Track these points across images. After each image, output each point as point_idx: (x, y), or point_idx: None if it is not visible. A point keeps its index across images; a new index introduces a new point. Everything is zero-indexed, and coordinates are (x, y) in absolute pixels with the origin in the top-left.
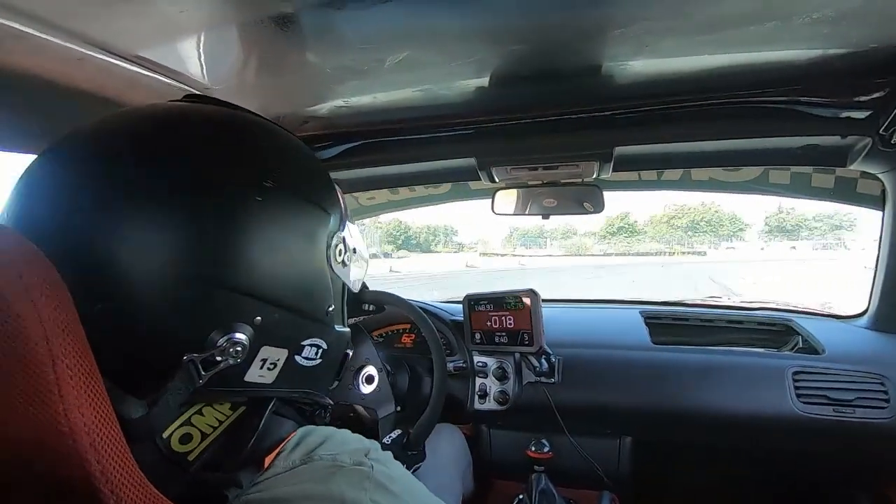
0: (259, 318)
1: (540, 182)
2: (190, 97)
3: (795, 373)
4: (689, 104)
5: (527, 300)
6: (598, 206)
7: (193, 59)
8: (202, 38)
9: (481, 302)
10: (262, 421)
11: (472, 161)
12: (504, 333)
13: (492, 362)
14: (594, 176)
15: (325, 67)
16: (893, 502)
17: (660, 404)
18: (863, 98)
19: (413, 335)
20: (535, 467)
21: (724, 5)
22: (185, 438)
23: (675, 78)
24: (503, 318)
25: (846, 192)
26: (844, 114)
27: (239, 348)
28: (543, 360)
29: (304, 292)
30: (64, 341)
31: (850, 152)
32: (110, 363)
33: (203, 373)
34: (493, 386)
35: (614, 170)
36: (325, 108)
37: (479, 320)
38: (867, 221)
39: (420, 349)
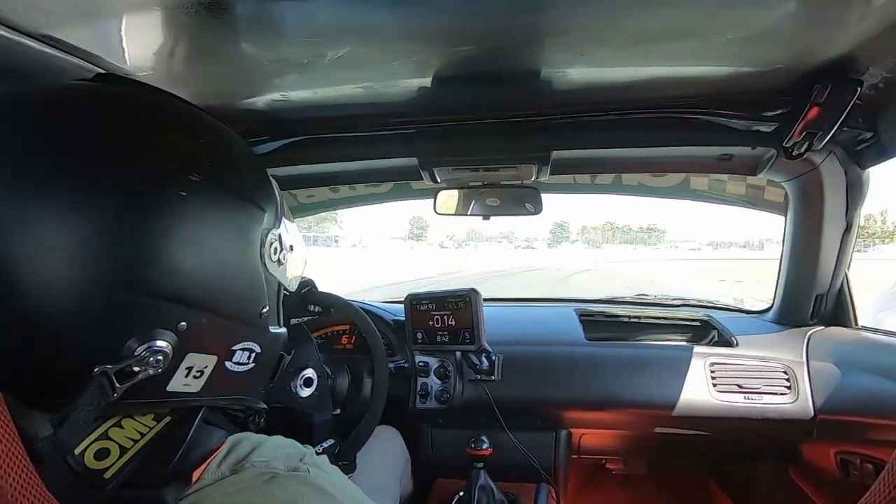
0: (183, 323)
1: (481, 183)
2: (102, 77)
3: (712, 364)
4: (620, 112)
5: (468, 299)
6: (538, 208)
7: (114, 42)
8: (124, 20)
9: (423, 301)
10: (191, 431)
11: (414, 161)
12: (446, 332)
13: (434, 361)
14: (533, 178)
15: (262, 59)
16: (793, 477)
17: (593, 397)
18: (769, 113)
19: (353, 336)
20: (475, 464)
21: (651, 20)
22: (102, 454)
23: (608, 87)
24: (445, 317)
25: (756, 199)
26: (754, 127)
27: (160, 357)
28: (484, 358)
29: (235, 294)
30: None
31: (759, 162)
32: (11, 375)
33: (118, 385)
34: (434, 385)
35: (551, 173)
36: (261, 101)
37: (421, 320)
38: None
39: (360, 350)
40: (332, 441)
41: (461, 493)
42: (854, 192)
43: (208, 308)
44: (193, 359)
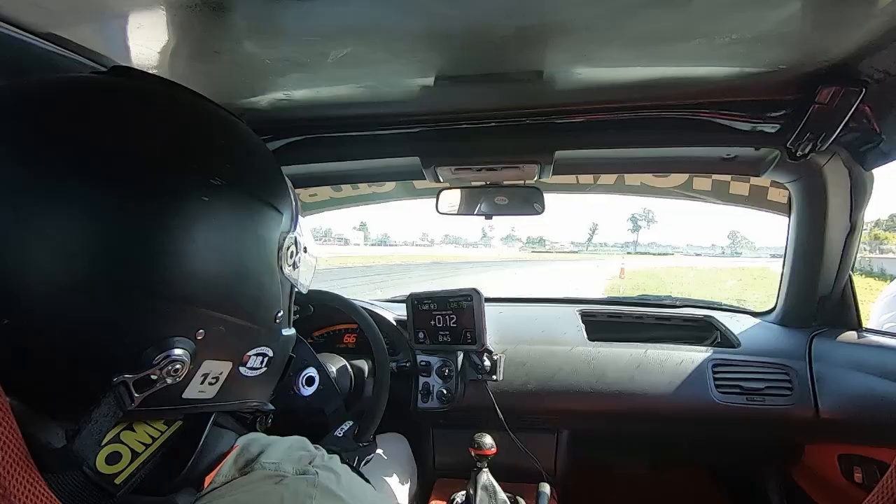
0: (202, 330)
1: (483, 183)
2: (117, 70)
3: (714, 365)
4: (624, 113)
5: (470, 299)
6: (542, 208)
7: (117, 40)
8: (127, 19)
9: (425, 301)
10: (203, 436)
11: (416, 160)
12: (447, 332)
13: (435, 361)
14: (535, 178)
15: (265, 58)
16: (795, 479)
17: (595, 397)
18: (773, 114)
19: (355, 335)
20: (478, 464)
21: (656, 21)
22: (113, 458)
23: (612, 87)
24: (447, 316)
25: (759, 200)
26: (758, 128)
27: (178, 366)
28: (486, 358)
29: (253, 300)
30: None
31: (762, 163)
32: (25, 384)
33: (136, 395)
34: (436, 385)
35: (554, 173)
36: (264, 100)
37: (423, 319)
38: None
39: (362, 349)
40: (350, 423)
41: (463, 493)
42: (858, 194)
43: (226, 314)
44: (210, 366)
